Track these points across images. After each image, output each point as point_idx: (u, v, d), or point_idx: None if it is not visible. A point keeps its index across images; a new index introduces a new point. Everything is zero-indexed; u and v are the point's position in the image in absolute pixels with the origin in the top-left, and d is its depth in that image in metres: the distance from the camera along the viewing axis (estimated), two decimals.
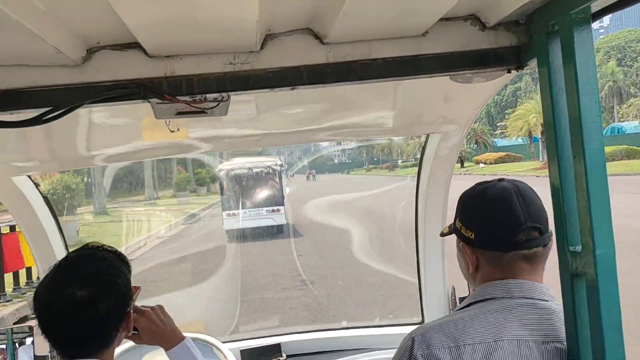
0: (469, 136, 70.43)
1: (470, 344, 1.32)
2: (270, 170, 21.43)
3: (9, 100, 1.42)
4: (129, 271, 1.62)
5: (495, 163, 57.66)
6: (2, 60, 1.39)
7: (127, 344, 2.69)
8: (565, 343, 1.33)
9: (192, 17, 1.24)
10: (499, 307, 1.38)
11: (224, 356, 2.75)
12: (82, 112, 1.49)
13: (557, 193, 1.30)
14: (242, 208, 20.23)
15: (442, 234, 1.61)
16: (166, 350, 1.81)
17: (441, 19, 1.41)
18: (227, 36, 1.36)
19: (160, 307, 1.86)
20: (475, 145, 69.44)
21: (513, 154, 58.62)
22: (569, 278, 1.28)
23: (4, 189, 2.39)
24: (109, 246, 1.64)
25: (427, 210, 2.74)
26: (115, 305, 1.49)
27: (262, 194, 20.84)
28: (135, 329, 1.75)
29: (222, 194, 21.55)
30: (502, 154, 60.54)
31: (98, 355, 1.51)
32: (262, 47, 1.44)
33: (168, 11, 1.19)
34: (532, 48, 1.42)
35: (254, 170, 21.49)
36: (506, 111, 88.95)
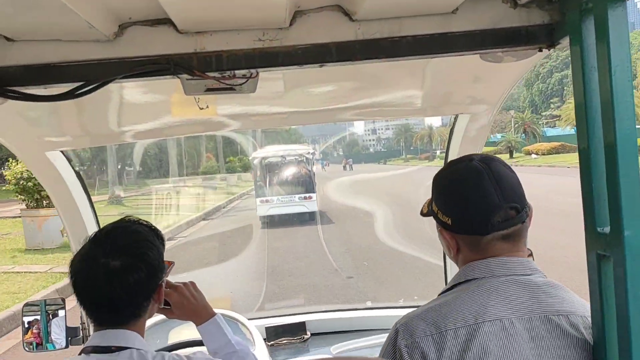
0: (516, 125, 68.76)
1: (452, 329, 1.29)
2: (303, 158, 21.69)
3: (43, 75, 1.46)
4: (163, 245, 1.66)
5: (549, 154, 54.60)
6: (37, 35, 1.42)
7: (156, 318, 2.75)
8: (552, 315, 1.30)
9: None
10: (480, 288, 1.35)
11: (250, 332, 2.79)
12: (112, 88, 1.52)
13: (586, 173, 1.28)
14: (275, 195, 20.54)
15: (422, 214, 1.56)
16: (197, 325, 1.85)
17: None
18: (257, 12, 1.37)
19: (192, 283, 1.90)
20: (523, 134, 67.16)
21: (568, 144, 54.24)
22: (596, 259, 1.26)
23: (38, 163, 2.46)
24: (145, 220, 1.69)
25: None
26: (146, 277, 1.54)
27: (295, 181, 21.13)
28: (167, 303, 1.80)
29: (255, 181, 21.90)
30: (556, 143, 57.52)
31: (129, 324, 1.57)
32: (291, 24, 1.45)
33: None
34: (565, 26, 1.39)
35: (287, 158, 21.78)
36: (552, 100, 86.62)
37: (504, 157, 61.68)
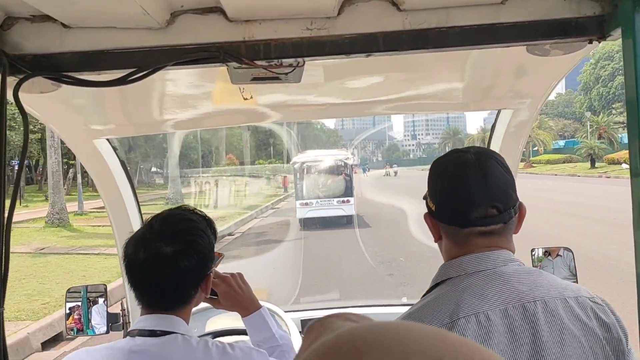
0: (591, 129, 65.88)
1: None
2: (342, 163, 22.08)
3: (96, 61, 1.50)
4: (215, 236, 1.68)
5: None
6: (92, 22, 1.47)
7: (198, 307, 2.80)
8: (527, 302, 1.27)
9: None
10: (454, 287, 1.33)
11: (286, 324, 2.81)
12: (156, 77, 1.55)
13: (637, 167, 1.24)
14: (314, 198, 21.02)
15: (424, 197, 1.54)
16: (243, 316, 1.88)
17: None
18: (306, 1, 1.38)
19: (240, 275, 1.92)
20: (599, 140, 63.03)
21: None
22: None
23: (86, 151, 2.52)
24: (199, 210, 1.72)
25: None
26: (196, 264, 1.57)
27: (333, 185, 21.60)
28: (214, 293, 1.83)
29: (295, 184, 22.43)
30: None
31: (176, 309, 1.60)
32: (339, 13, 1.45)
33: None
34: (617, 17, 1.36)
35: (326, 162, 22.27)
36: (614, 105, 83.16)
37: (584, 166, 57.02)
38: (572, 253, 2.58)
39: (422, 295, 1.44)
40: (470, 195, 1.34)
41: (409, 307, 1.44)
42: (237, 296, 1.87)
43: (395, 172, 66.01)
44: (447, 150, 1.62)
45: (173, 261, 1.53)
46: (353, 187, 21.57)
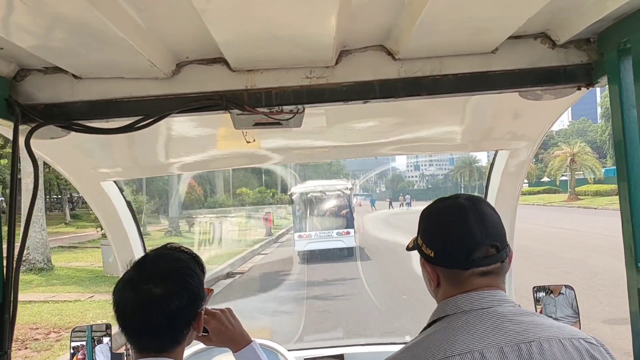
0: None
1: None
2: (341, 194, 21.69)
3: (105, 109, 1.57)
4: (203, 273, 1.68)
5: None
6: (101, 73, 1.54)
7: (197, 346, 2.79)
8: (523, 343, 1.29)
9: (275, 34, 1.34)
10: (450, 325, 1.36)
11: None
12: (162, 123, 1.61)
13: (626, 210, 1.29)
14: (313, 230, 20.54)
15: (408, 248, 1.58)
16: (234, 352, 1.88)
17: (511, 37, 1.45)
18: (306, 52, 1.45)
19: (229, 310, 1.92)
20: None
21: None
22: (637, 294, 1.27)
23: (93, 193, 2.57)
24: (186, 247, 1.71)
25: None
26: (187, 304, 1.55)
27: (333, 216, 21.18)
28: (205, 330, 1.82)
29: (294, 215, 21.89)
30: None
31: (169, 351, 1.57)
32: (337, 62, 1.53)
33: (254, 28, 1.30)
34: (603, 66, 1.43)
35: (326, 193, 21.85)
36: None
37: None
38: (574, 291, 2.58)
39: (420, 331, 1.46)
40: (472, 236, 1.38)
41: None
42: (227, 332, 1.86)
43: (409, 203, 63.62)
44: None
45: (164, 302, 1.51)
46: (353, 217, 21.14)
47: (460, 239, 1.39)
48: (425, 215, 1.51)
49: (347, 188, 22.26)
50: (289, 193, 24.26)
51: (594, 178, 61.46)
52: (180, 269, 1.59)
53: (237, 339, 1.88)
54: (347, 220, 20.80)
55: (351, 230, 20.35)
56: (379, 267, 17.61)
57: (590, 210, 44.40)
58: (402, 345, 1.44)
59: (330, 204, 21.72)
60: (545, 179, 77.72)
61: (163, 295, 1.51)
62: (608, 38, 1.40)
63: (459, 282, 1.40)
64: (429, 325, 1.43)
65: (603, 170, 62.51)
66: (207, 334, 1.85)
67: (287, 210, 36.34)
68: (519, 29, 1.39)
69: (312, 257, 19.78)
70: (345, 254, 19.97)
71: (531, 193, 69.92)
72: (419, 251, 1.50)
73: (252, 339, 1.90)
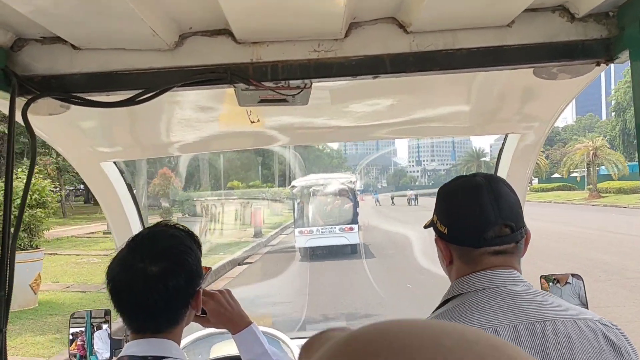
0: None
1: None
2: (345, 187, 20.89)
3: (106, 82, 1.52)
4: (200, 250, 1.62)
5: None
6: (102, 44, 1.48)
7: (196, 333, 2.75)
8: (537, 322, 1.26)
9: (282, 3, 1.29)
10: (463, 304, 1.35)
11: (291, 351, 2.77)
12: (163, 100, 1.56)
13: None
14: (314, 225, 19.74)
15: (425, 226, 1.58)
16: (233, 334, 1.82)
17: (527, 9, 1.39)
18: (313, 23, 1.40)
19: (228, 291, 1.87)
20: None
21: None
22: None
23: (92, 173, 2.53)
24: (181, 225, 1.66)
25: None
26: (185, 282, 1.50)
27: (335, 211, 20.45)
28: (203, 312, 1.78)
29: (294, 210, 21.11)
30: None
31: (166, 331, 1.52)
32: (346, 35, 1.47)
33: None
34: (624, 40, 1.37)
35: (328, 187, 21.04)
36: None
37: None
38: (582, 281, 2.53)
39: (433, 311, 1.45)
40: (485, 215, 1.36)
41: None
42: (226, 313, 1.81)
43: (416, 197, 60.96)
44: (453, 176, 1.64)
45: (161, 281, 1.46)
46: (357, 212, 20.30)
47: (472, 217, 1.37)
48: (441, 193, 1.50)
49: (351, 181, 21.55)
50: (289, 186, 23.41)
51: (616, 174, 54.88)
52: (177, 245, 1.54)
53: (236, 320, 1.83)
54: (351, 215, 20.08)
55: (355, 226, 19.61)
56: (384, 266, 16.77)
57: (623, 210, 38.74)
58: None
59: (332, 198, 20.96)
60: (556, 175, 75.52)
61: (159, 274, 1.47)
62: (629, 11, 1.35)
63: (471, 260, 1.39)
64: (442, 304, 1.41)
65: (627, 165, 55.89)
66: (205, 315, 1.80)
67: (284, 204, 34.56)
68: (536, 0, 1.34)
69: (313, 257, 19.16)
70: (348, 251, 19.35)
71: (544, 190, 67.20)
72: (434, 228, 1.49)
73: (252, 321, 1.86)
